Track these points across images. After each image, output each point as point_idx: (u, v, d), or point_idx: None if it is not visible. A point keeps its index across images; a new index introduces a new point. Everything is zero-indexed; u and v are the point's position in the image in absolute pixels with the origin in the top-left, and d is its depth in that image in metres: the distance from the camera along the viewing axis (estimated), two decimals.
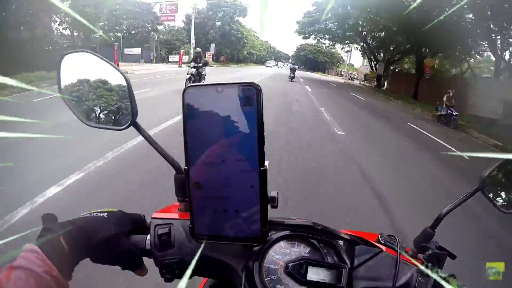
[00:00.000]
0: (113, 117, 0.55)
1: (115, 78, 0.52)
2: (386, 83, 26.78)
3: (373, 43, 26.71)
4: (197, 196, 0.40)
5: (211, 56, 36.45)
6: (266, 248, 0.51)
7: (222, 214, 0.40)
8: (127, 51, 26.85)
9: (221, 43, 41.31)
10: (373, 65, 28.24)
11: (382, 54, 27.38)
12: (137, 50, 27.21)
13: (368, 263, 0.53)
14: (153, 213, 0.53)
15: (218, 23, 41.79)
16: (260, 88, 0.37)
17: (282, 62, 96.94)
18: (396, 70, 27.43)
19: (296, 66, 23.70)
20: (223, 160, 0.38)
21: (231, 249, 0.50)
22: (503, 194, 0.60)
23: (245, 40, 44.17)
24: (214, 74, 19.18)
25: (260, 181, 0.38)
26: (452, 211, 0.57)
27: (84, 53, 0.52)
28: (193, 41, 33.76)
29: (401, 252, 0.55)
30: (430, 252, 0.57)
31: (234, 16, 42.71)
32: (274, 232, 0.52)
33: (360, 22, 23.58)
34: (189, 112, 0.38)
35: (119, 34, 30.36)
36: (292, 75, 20.53)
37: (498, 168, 0.58)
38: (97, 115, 0.55)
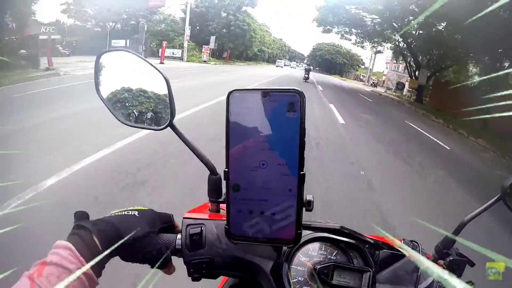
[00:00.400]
0: (150, 117, 0.55)
1: (153, 78, 0.52)
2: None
3: (414, 42, 19.82)
4: (235, 198, 0.41)
5: (209, 51, 30.19)
6: (294, 250, 0.52)
7: (258, 216, 0.41)
8: (114, 43, 22.81)
9: (224, 36, 34.91)
10: (412, 72, 21.40)
11: (423, 58, 20.46)
12: (123, 43, 22.61)
13: (391, 268, 0.55)
14: (184, 213, 0.53)
15: (223, 14, 35.32)
16: (304, 95, 0.38)
17: (296, 62, 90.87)
18: (442, 80, 20.49)
19: (311, 67, 24.26)
20: (263, 164, 0.39)
21: (261, 250, 0.51)
22: None
23: (253, 34, 37.48)
24: (181, 76, 12.71)
25: (298, 185, 0.39)
26: (473, 219, 0.58)
27: (123, 52, 0.53)
28: (187, 32, 27.79)
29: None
30: (451, 258, 0.58)
31: (242, 6, 36.27)
32: (302, 234, 0.51)
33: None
34: (232, 116, 0.39)
35: (111, 24, 25.46)
36: (306, 75, 21.07)
37: None
38: (135, 115, 0.55)
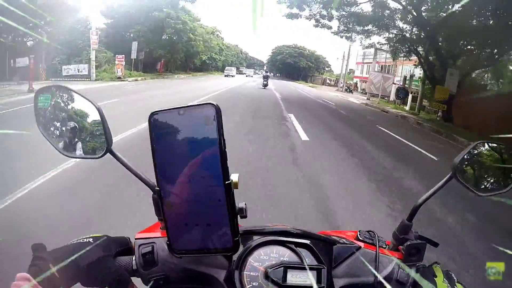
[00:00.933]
0: (89, 146, 0.56)
1: (87, 109, 0.55)
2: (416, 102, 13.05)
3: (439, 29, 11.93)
4: (170, 214, 0.43)
5: (123, 63, 20.49)
6: (245, 256, 0.52)
7: (194, 229, 0.43)
8: (19, 62, 15.85)
9: (152, 40, 25.46)
10: (430, 73, 13.57)
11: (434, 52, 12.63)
12: (25, 61, 15.20)
13: (347, 261, 0.55)
14: (136, 234, 0.55)
15: (156, 14, 25.74)
16: (219, 107, 0.40)
17: (254, 69, 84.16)
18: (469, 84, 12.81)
19: (269, 74, 24.79)
20: (190, 178, 0.41)
21: (212, 261, 0.52)
22: (476, 177, 0.61)
23: (191, 36, 28.17)
24: None
25: (226, 195, 0.41)
26: (426, 201, 0.59)
27: (58, 87, 0.57)
28: (93, 37, 18.52)
29: (381, 246, 0.59)
30: (409, 243, 0.57)
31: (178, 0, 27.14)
32: (252, 240, 0.54)
33: None
34: (155, 136, 0.41)
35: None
36: (265, 82, 21.48)
37: (469, 153, 0.59)
38: (74, 145, 0.57)
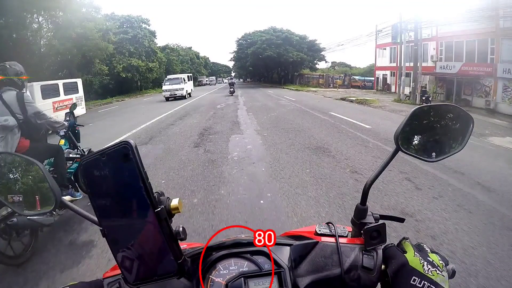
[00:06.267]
0: (39, 201, 0.55)
1: (27, 166, 0.56)
2: None
3: None
4: (116, 249, 0.44)
5: None
6: (204, 274, 0.53)
7: (140, 259, 0.44)
8: None
9: None
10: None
11: None
12: None
13: (308, 259, 0.55)
14: (103, 274, 0.57)
15: None
16: (134, 143, 0.41)
17: (219, 77, 73.34)
18: None
19: (234, 81, 26.76)
20: (124, 214, 0.43)
21: (175, 285, 0.52)
22: (421, 145, 0.59)
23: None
24: None
25: (158, 222, 0.43)
26: (375, 181, 0.57)
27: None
28: None
29: (342, 235, 0.57)
30: (368, 227, 0.55)
31: None
32: (211, 256, 0.55)
33: None
34: (88, 182, 0.43)
35: None
36: (232, 89, 21.35)
37: (409, 121, 0.57)
38: (26, 204, 0.56)
